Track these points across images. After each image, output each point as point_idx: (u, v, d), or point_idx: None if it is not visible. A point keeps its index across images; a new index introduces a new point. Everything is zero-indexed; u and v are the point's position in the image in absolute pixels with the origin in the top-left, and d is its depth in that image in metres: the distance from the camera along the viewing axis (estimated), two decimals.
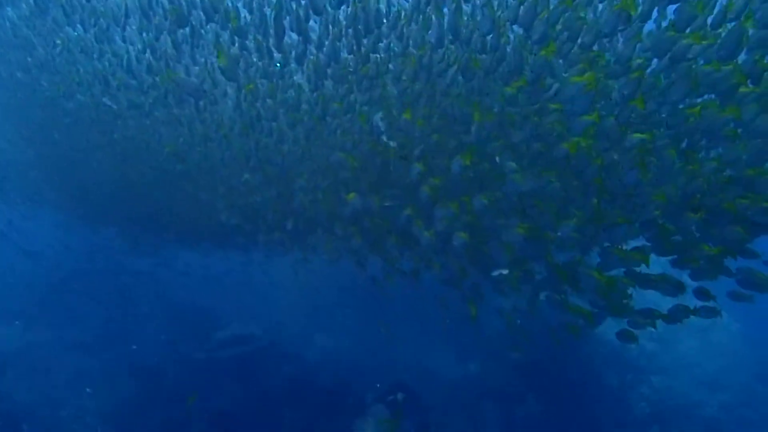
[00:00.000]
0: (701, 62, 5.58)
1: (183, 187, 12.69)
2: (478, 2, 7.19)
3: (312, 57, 7.93)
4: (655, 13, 6.27)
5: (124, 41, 9.42)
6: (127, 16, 8.83)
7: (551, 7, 5.88)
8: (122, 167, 13.42)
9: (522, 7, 5.99)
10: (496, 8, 6.64)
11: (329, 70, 8.02)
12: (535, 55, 6.28)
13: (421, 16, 7.34)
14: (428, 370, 15.02)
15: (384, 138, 7.74)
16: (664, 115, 6.29)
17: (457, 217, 6.90)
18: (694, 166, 6.02)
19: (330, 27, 7.62)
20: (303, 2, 7.15)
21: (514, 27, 7.09)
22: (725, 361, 16.48)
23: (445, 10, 6.89)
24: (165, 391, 13.33)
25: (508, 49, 6.81)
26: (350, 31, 7.52)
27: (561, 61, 6.45)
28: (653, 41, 5.70)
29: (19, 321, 16.58)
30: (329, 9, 7.36)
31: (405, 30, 7.54)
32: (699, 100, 6.15)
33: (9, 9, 11.78)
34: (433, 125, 7.79)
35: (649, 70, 6.15)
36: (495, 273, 7.16)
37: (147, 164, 12.54)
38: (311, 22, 7.57)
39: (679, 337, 16.48)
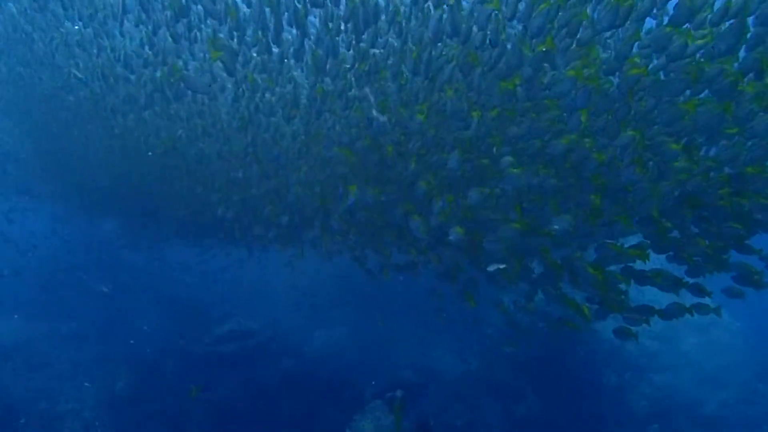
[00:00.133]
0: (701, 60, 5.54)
1: (181, 181, 12.69)
2: None
3: (311, 49, 7.88)
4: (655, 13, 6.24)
5: (122, 35, 9.38)
6: (125, 11, 8.80)
7: (551, 1, 5.83)
8: (120, 161, 13.43)
9: (521, 2, 5.95)
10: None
11: (327, 66, 7.97)
12: (533, 51, 6.23)
13: (420, 12, 7.29)
14: (428, 366, 15.01)
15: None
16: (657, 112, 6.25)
17: (453, 210, 6.88)
18: (693, 165, 5.98)
19: (328, 23, 7.57)
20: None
21: (514, 25, 7.08)
22: (726, 359, 16.43)
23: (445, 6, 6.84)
24: (164, 385, 13.37)
25: (508, 46, 6.76)
26: (349, 26, 7.48)
27: (558, 57, 6.40)
28: (652, 38, 5.66)
29: (18, 314, 16.62)
30: (328, 3, 7.32)
31: (404, 26, 7.49)
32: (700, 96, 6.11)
33: (11, 4, 11.77)
34: (431, 121, 7.75)
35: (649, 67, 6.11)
36: (490, 268, 7.13)
37: (145, 158, 12.54)
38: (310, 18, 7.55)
39: (679, 336, 16.44)
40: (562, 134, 6.38)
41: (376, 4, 7.05)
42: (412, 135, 7.73)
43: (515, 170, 6.30)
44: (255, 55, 8.50)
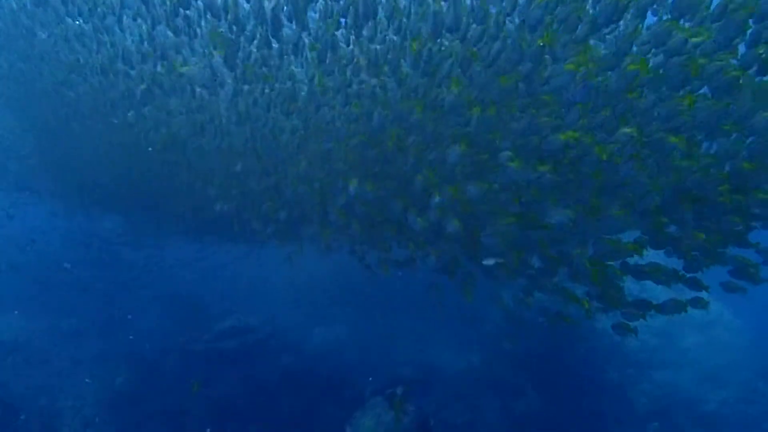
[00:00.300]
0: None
1: (181, 176, 12.69)
2: None
3: (311, 42, 7.86)
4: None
5: (122, 30, 9.38)
6: (123, 6, 8.79)
7: None
8: (120, 156, 13.43)
9: None
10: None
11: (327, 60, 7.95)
12: (531, 45, 6.21)
13: (419, 8, 7.27)
14: (428, 363, 15.00)
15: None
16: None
17: (451, 203, 6.87)
18: (693, 162, 5.98)
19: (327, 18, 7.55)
20: None
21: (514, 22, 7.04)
22: (727, 357, 16.40)
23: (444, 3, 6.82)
24: (163, 381, 13.37)
25: (508, 42, 6.74)
26: (348, 21, 7.46)
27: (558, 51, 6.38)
28: (651, 34, 5.65)
29: (18, 310, 16.63)
30: None
31: (403, 22, 7.47)
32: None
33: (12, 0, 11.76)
34: (429, 116, 7.73)
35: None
36: (487, 262, 7.12)
37: (145, 153, 12.53)
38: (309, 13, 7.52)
39: (680, 333, 16.42)
40: (560, 129, 6.37)
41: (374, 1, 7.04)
42: (411, 130, 7.71)
43: (513, 163, 6.29)
44: (255, 50, 8.49)
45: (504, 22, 6.63)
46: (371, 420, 11.29)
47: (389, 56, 7.93)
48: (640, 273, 6.43)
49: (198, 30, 8.84)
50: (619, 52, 5.99)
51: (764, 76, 5.46)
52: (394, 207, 7.71)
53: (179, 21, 8.37)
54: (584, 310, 6.52)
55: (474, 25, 6.65)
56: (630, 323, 6.97)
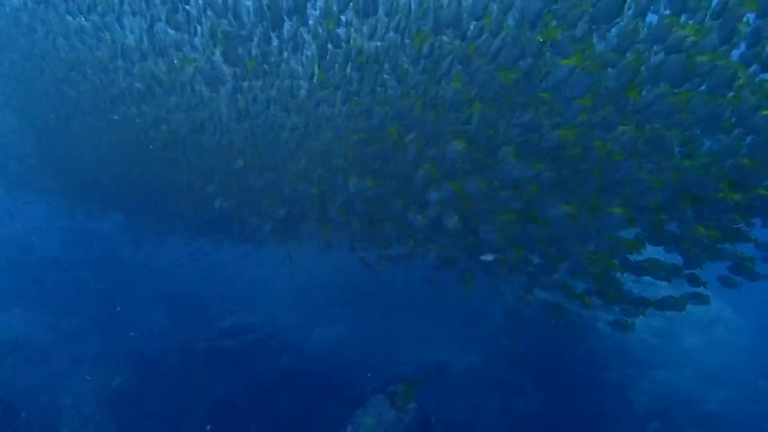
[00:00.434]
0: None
1: (181, 174, 12.69)
2: None
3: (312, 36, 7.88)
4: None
5: (121, 28, 9.38)
6: (122, 2, 8.79)
7: None
8: (121, 155, 13.42)
9: None
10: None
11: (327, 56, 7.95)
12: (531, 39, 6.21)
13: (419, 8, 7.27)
14: (428, 362, 14.99)
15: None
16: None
17: (451, 199, 6.87)
18: (693, 161, 5.99)
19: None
20: None
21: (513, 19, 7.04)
22: (728, 356, 16.38)
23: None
24: (164, 380, 13.35)
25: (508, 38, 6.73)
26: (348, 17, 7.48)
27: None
28: (651, 30, 5.65)
29: (19, 308, 16.62)
30: None
31: (402, 20, 7.47)
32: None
33: None
34: (429, 113, 7.73)
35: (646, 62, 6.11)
36: (485, 257, 7.12)
37: (145, 151, 12.53)
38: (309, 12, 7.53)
39: (681, 333, 16.40)
40: (559, 126, 6.37)
41: None
42: (411, 126, 7.71)
43: (513, 159, 6.29)
44: (255, 46, 8.49)
45: (504, 17, 6.64)
46: (372, 419, 11.27)
47: (389, 53, 7.94)
48: (640, 269, 6.44)
49: (198, 27, 8.83)
50: (619, 48, 6.00)
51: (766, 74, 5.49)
52: (393, 204, 7.71)
53: (179, 17, 8.37)
54: (585, 305, 6.52)
55: (474, 22, 6.66)
56: (629, 319, 6.98)
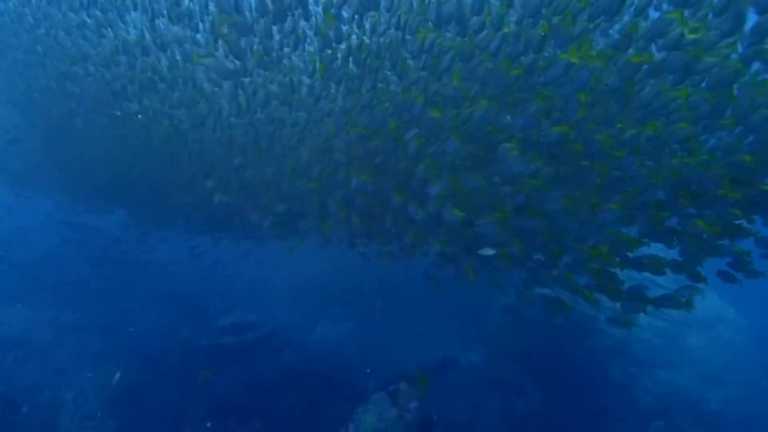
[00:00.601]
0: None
1: (183, 170, 12.68)
2: None
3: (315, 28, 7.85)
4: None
5: (123, 23, 9.38)
6: None
7: None
8: (123, 151, 13.43)
9: None
10: None
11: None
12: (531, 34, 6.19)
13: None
14: (430, 360, 14.97)
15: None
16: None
17: (450, 193, 6.83)
18: (693, 159, 5.96)
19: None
20: None
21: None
22: (731, 356, 16.32)
23: None
24: (165, 377, 13.35)
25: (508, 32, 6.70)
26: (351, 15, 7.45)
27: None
28: (651, 27, 5.63)
29: (20, 304, 16.64)
30: None
31: (403, 17, 7.44)
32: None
33: None
34: (429, 110, 7.71)
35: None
36: (485, 252, 7.08)
37: (148, 146, 12.53)
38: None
39: (683, 332, 16.34)
40: (559, 122, 6.34)
41: None
42: (412, 122, 7.68)
43: (514, 153, 6.24)
44: (257, 42, 8.47)
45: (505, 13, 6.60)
46: (373, 416, 11.24)
47: (390, 49, 7.92)
48: (639, 265, 6.40)
49: (200, 24, 8.82)
50: (620, 45, 5.97)
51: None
52: (394, 199, 7.67)
53: (181, 12, 8.36)
54: (587, 300, 6.48)
55: (475, 18, 6.62)
56: (629, 316, 6.93)
